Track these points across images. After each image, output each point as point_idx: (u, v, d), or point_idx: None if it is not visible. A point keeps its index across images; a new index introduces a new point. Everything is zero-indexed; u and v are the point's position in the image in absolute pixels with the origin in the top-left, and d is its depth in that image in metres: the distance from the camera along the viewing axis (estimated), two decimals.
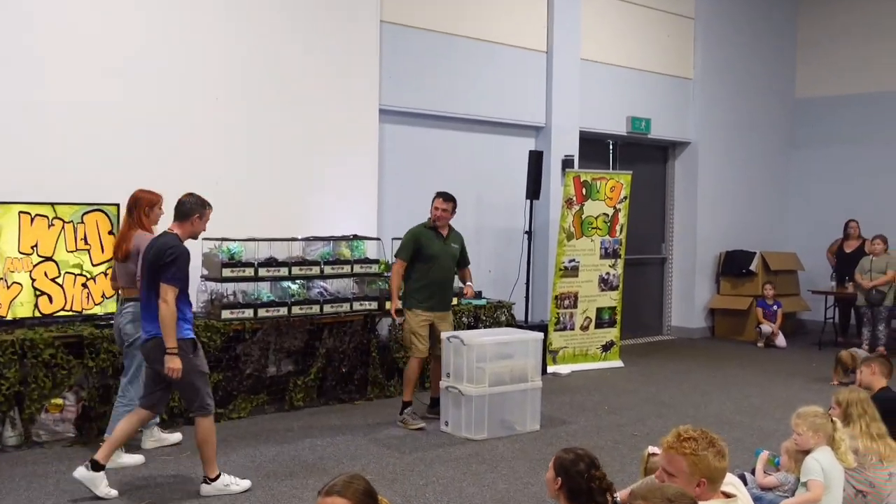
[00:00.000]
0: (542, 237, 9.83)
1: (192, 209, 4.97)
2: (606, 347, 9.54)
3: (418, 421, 6.61)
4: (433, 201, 6.71)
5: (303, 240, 7.43)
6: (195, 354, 4.92)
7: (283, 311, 7.00)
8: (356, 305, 7.47)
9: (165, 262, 4.76)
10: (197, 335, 5.36)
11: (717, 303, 11.64)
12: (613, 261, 9.48)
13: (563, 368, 9.11)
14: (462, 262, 6.88)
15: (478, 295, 8.58)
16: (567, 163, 9.81)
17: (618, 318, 9.61)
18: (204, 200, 5.03)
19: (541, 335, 6.84)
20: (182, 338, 4.81)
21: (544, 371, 8.62)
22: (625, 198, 9.46)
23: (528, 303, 9.15)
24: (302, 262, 7.21)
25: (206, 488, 5.00)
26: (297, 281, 7.28)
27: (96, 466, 4.86)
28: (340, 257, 7.46)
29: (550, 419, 6.95)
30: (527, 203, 9.22)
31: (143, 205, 5.57)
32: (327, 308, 7.25)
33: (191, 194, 5.04)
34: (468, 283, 6.82)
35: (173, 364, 4.77)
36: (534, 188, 9.07)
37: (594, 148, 10.80)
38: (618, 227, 9.45)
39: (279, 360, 7.13)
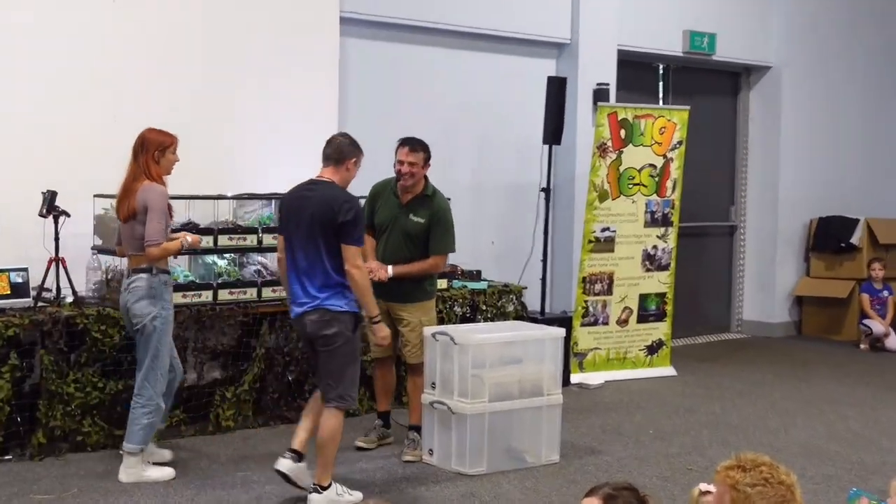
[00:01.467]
0: (564, 197, 9.82)
1: (348, 152, 5.76)
2: (653, 349, 9.55)
3: (366, 440, 6.88)
4: (396, 151, 6.72)
5: (233, 198, 7.45)
6: (355, 335, 5.72)
7: (207, 296, 7.02)
8: None
9: (347, 220, 5.54)
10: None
11: (805, 288, 11.74)
12: (663, 230, 9.48)
13: (593, 378, 9.13)
14: (432, 246, 6.70)
15: (476, 276, 8.60)
16: (600, 94, 9.77)
17: (669, 308, 9.62)
18: (357, 143, 5.80)
19: (562, 332, 6.86)
20: (349, 311, 5.65)
21: (567, 381, 8.64)
22: (679, 143, 9.42)
23: (544, 287, 9.16)
24: (233, 230, 7.23)
25: (315, 499, 5.62)
26: (227, 255, 7.29)
27: (320, 488, 5.64)
28: None
29: (574, 447, 6.97)
30: (544, 150, 9.21)
31: (151, 148, 5.94)
32: (267, 293, 7.24)
33: (344, 134, 5.86)
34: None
35: (383, 332, 5.90)
36: (554, 130, 9.04)
37: (638, 74, 10.76)
38: (669, 184, 9.44)
39: (201, 364, 7.15)
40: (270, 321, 7.30)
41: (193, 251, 6.74)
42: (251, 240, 7.23)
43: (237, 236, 7.19)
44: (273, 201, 7.51)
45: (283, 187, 7.61)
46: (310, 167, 7.93)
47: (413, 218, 6.67)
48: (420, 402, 6.65)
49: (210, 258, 7.24)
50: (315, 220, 5.59)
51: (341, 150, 5.77)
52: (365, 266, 5.94)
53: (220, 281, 7.13)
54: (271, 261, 7.48)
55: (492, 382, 6.43)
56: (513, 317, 8.41)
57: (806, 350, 10.91)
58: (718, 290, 11.83)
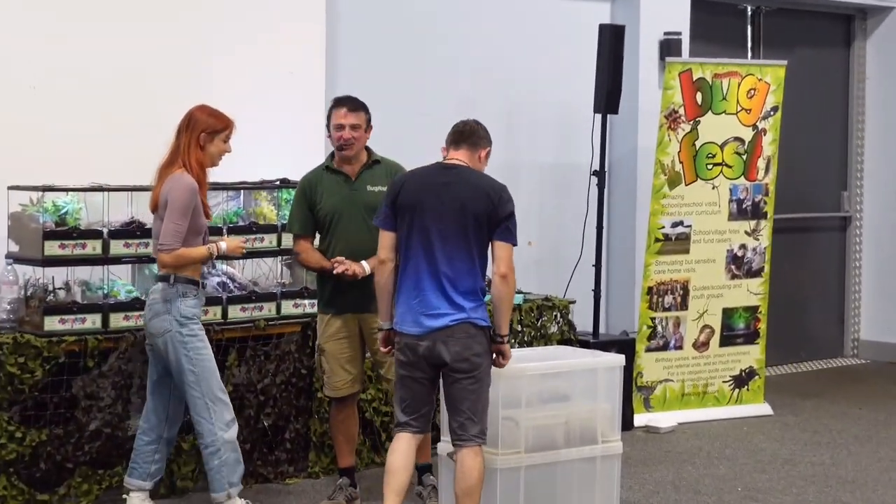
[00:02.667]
0: (623, 183, 9.87)
1: (485, 137, 6.20)
2: (742, 381, 9.51)
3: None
4: (329, 115, 6.96)
5: None
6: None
7: None
8: (288, 306, 7.47)
9: (509, 213, 5.94)
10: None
11: None
12: (754, 223, 9.46)
13: (664, 419, 9.11)
14: None
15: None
16: (669, 46, 9.80)
17: (762, 327, 9.59)
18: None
19: (622, 359, 6.87)
20: (488, 326, 5.98)
21: (629, 424, 8.63)
22: (774, 109, 9.39)
23: (598, 301, 9.16)
24: None
25: None
26: None
27: None
28: (259, 220, 7.53)
29: None
30: (596, 122, 9.15)
31: (198, 129, 6.30)
32: (235, 312, 7.31)
33: (477, 122, 6.23)
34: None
35: (509, 353, 6.10)
36: (608, 94, 9.01)
37: (719, 19, 10.76)
38: (761, 163, 9.41)
39: None
40: (240, 349, 7.28)
41: (231, 258, 6.96)
42: None
43: None
44: (242, 192, 7.54)
45: (255, 174, 7.69)
46: (291, 149, 8.01)
47: (371, 188, 6.85)
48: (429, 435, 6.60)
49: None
50: (468, 211, 5.87)
51: (477, 134, 6.15)
52: (342, 262, 6.49)
53: None
54: (243, 270, 7.54)
55: (529, 426, 6.41)
56: (557, 340, 8.40)
57: None
58: (828, 302, 11.86)
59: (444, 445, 6.44)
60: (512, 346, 7.89)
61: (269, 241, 7.47)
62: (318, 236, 6.99)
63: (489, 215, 5.85)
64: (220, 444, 6.26)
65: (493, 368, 6.10)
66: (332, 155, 7.01)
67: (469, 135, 6.11)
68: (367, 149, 6.97)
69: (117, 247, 6.97)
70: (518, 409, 6.41)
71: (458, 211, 5.86)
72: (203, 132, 6.26)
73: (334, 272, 6.70)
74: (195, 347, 6.22)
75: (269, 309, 7.42)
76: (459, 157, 6.06)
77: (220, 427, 6.26)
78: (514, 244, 5.93)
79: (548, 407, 6.58)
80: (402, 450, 5.96)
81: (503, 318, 5.96)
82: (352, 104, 6.88)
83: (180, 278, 6.19)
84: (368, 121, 6.91)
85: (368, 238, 6.58)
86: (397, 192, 6.06)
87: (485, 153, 6.16)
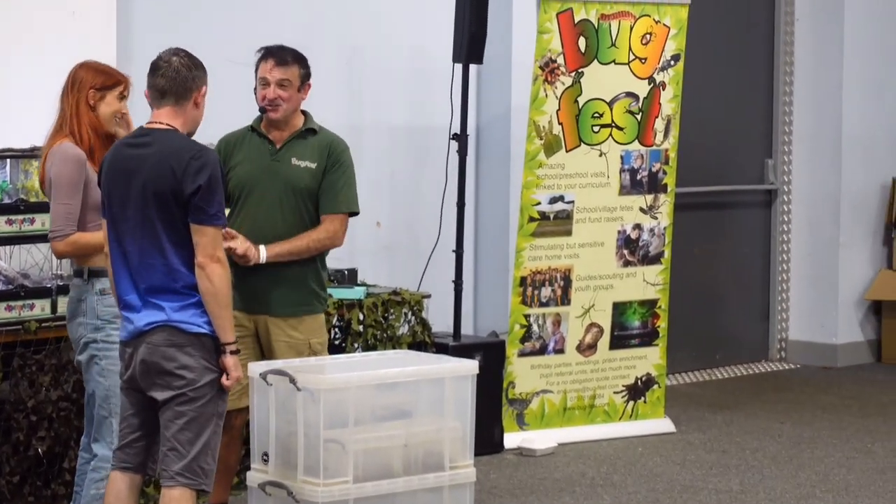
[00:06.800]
0: (493, 147, 9.98)
1: (192, 77, 5.82)
2: (637, 391, 9.60)
3: None
4: (256, 68, 7.01)
5: None
6: (217, 373, 5.90)
7: None
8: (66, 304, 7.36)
9: (199, 186, 5.64)
10: None
11: (886, 288, 11.99)
12: (652, 198, 9.56)
13: (541, 438, 9.14)
14: (326, 202, 7.03)
15: (348, 277, 8.64)
16: None
17: (662, 325, 9.69)
18: (198, 60, 5.94)
19: (473, 366, 6.86)
20: (211, 334, 5.82)
21: (497, 445, 8.78)
22: (675, 58, 9.47)
23: (459, 294, 9.20)
24: None
25: None
26: None
27: None
28: (30, 197, 7.57)
29: None
30: (456, 74, 9.23)
31: (85, 88, 6.44)
32: None
33: (177, 51, 5.87)
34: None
35: (238, 370, 5.91)
36: (471, 38, 9.02)
37: None
38: (660, 125, 9.49)
39: None
40: (5, 357, 7.29)
41: None
42: None
43: None
44: (9, 162, 7.58)
45: (25, 140, 7.60)
46: None
47: (297, 162, 6.94)
48: None
49: None
50: (148, 192, 5.67)
51: (182, 77, 5.79)
52: (234, 236, 6.49)
53: None
54: (10, 259, 7.57)
55: (358, 450, 6.41)
56: (407, 343, 8.45)
57: (886, 387, 11.08)
58: (747, 295, 12.00)
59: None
60: (352, 351, 7.97)
61: (42, 222, 7.33)
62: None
63: (175, 191, 5.63)
64: (103, 476, 6.34)
65: (306, 377, 6.19)
66: (260, 116, 7.03)
67: (167, 84, 5.77)
68: (304, 113, 7.04)
69: None
70: (344, 430, 6.40)
71: (139, 191, 5.70)
72: (92, 89, 6.37)
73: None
74: (107, 367, 6.30)
75: (42, 307, 7.39)
76: (159, 116, 5.79)
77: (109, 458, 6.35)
78: (214, 224, 5.70)
79: (383, 426, 6.59)
80: (110, 491, 6.03)
81: (218, 321, 5.75)
82: (280, 56, 6.93)
83: (94, 271, 6.28)
84: (304, 77, 6.97)
85: (280, 222, 6.88)
86: (99, 172, 6.00)
87: (200, 94, 5.87)
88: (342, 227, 7.06)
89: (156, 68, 5.79)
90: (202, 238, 5.62)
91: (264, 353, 6.98)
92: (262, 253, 6.73)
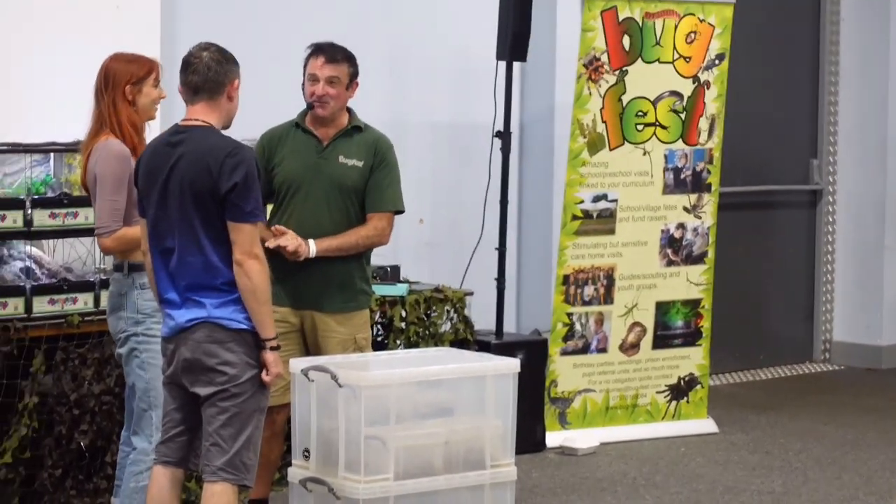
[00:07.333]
0: (537, 146, 10.01)
1: (225, 71, 5.88)
2: (680, 391, 9.60)
3: None
4: (305, 63, 6.99)
5: None
6: (258, 369, 5.94)
7: None
8: None
9: (235, 184, 5.67)
10: None
11: None
12: (696, 197, 9.54)
13: (583, 437, 9.16)
14: (373, 200, 7.03)
15: (390, 275, 8.65)
16: None
17: (706, 325, 9.65)
18: (231, 54, 5.96)
19: (515, 364, 6.82)
20: (251, 329, 5.88)
21: (539, 444, 8.78)
22: (720, 57, 9.44)
23: (502, 292, 9.18)
24: None
25: None
26: None
27: None
28: (73, 190, 7.50)
29: None
30: (500, 72, 9.21)
31: (121, 82, 6.40)
32: (42, 304, 7.30)
33: (207, 46, 5.91)
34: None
35: (278, 366, 5.96)
36: (514, 38, 9.03)
37: None
38: (704, 124, 9.46)
39: None
40: (48, 351, 7.26)
41: None
42: (14, 219, 7.24)
43: None
44: (53, 155, 7.58)
45: (68, 133, 7.61)
46: None
47: (344, 160, 6.93)
48: None
49: None
50: (185, 190, 5.71)
51: (213, 72, 5.85)
52: (283, 232, 6.57)
53: None
54: (53, 253, 7.55)
55: (400, 447, 6.39)
56: (449, 340, 8.42)
57: None
58: (791, 296, 11.97)
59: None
60: (395, 347, 7.97)
61: (85, 216, 7.34)
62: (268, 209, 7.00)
63: (212, 189, 5.70)
64: (147, 465, 6.33)
65: (348, 374, 6.16)
66: (305, 111, 7.04)
67: (200, 80, 5.85)
68: (350, 111, 7.04)
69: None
70: (386, 427, 6.38)
71: (177, 189, 5.77)
72: (128, 84, 6.35)
73: (268, 245, 6.64)
74: (148, 360, 6.36)
75: (84, 301, 7.40)
76: (194, 113, 5.87)
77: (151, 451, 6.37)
78: (251, 221, 5.76)
79: (424, 424, 6.58)
80: (154, 487, 6.11)
81: (259, 317, 5.82)
82: (331, 53, 6.93)
83: (134, 266, 6.31)
84: (353, 76, 6.97)
85: (328, 220, 6.88)
86: (136, 169, 6.04)
87: (233, 87, 5.94)
88: (389, 225, 7.10)
89: (187, 65, 5.84)
90: (239, 235, 5.66)
91: (310, 349, 7.00)
92: (312, 248, 6.75)
